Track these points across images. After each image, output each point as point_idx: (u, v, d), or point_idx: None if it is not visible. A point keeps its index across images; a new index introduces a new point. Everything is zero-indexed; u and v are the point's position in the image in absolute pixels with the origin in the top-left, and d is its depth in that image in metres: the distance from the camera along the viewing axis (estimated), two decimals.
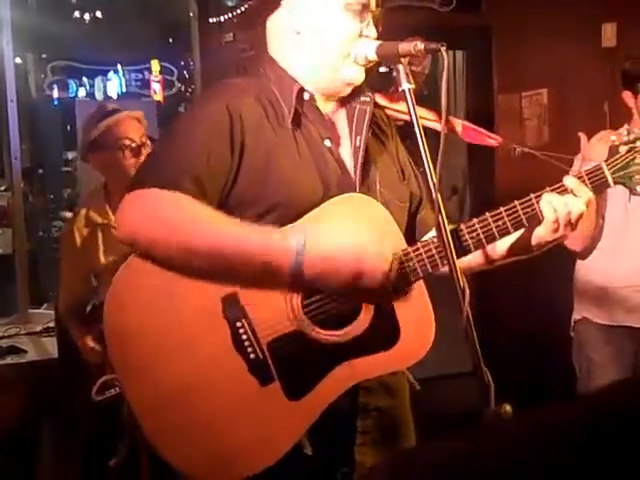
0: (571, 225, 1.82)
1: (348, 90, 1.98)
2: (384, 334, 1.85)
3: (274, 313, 1.82)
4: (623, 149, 1.84)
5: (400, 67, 1.81)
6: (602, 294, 3.37)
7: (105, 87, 5.91)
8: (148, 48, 5.93)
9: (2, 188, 5.13)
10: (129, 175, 3.08)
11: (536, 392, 3.47)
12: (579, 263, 3.46)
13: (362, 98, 2.01)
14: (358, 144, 1.97)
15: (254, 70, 2.02)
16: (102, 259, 3.21)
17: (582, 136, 3.09)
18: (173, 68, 5.94)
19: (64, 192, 6.35)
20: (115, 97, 5.86)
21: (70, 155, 6.35)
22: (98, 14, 5.93)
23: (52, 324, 4.67)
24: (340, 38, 1.90)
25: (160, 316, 1.80)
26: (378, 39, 1.92)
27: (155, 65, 6.02)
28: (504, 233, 1.84)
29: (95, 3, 5.85)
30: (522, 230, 1.87)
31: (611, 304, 3.36)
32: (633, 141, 1.84)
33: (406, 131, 1.89)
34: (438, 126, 2.38)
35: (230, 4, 5.88)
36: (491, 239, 1.84)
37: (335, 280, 1.73)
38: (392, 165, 2.07)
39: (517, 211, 1.83)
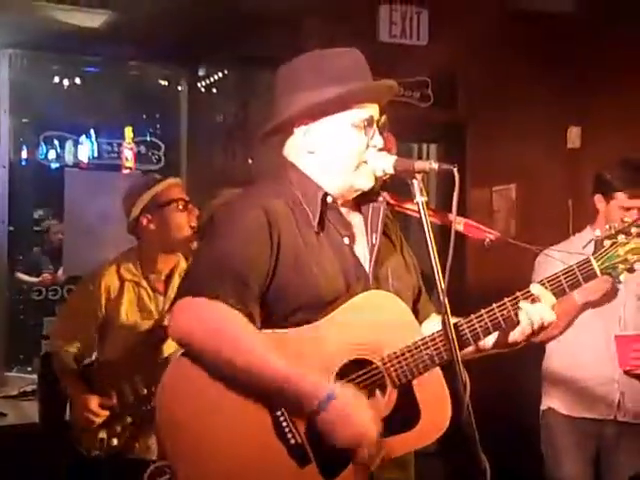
0: (543, 329, 2.07)
1: (356, 194, 2.18)
2: (407, 415, 2.03)
3: None
4: (607, 243, 2.10)
5: (415, 182, 2.02)
6: (565, 387, 3.58)
7: (76, 151, 6.02)
8: (123, 115, 6.07)
9: None
10: (182, 229, 3.35)
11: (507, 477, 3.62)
12: (546, 356, 3.67)
13: (376, 198, 2.21)
14: (374, 241, 2.16)
15: (278, 174, 2.20)
16: (123, 316, 3.29)
17: None
18: (153, 138, 6.04)
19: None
20: (86, 161, 5.97)
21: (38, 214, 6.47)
22: (77, 81, 6.06)
23: (28, 388, 4.75)
24: (350, 152, 2.12)
25: (209, 408, 1.96)
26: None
27: (128, 132, 6.14)
28: (497, 327, 2.08)
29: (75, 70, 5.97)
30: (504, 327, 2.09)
31: (573, 397, 3.56)
32: (615, 235, 2.10)
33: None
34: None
35: (201, 74, 6.10)
36: (487, 333, 2.08)
37: (336, 441, 1.92)
38: (399, 257, 2.27)
39: (507, 307, 2.07)
